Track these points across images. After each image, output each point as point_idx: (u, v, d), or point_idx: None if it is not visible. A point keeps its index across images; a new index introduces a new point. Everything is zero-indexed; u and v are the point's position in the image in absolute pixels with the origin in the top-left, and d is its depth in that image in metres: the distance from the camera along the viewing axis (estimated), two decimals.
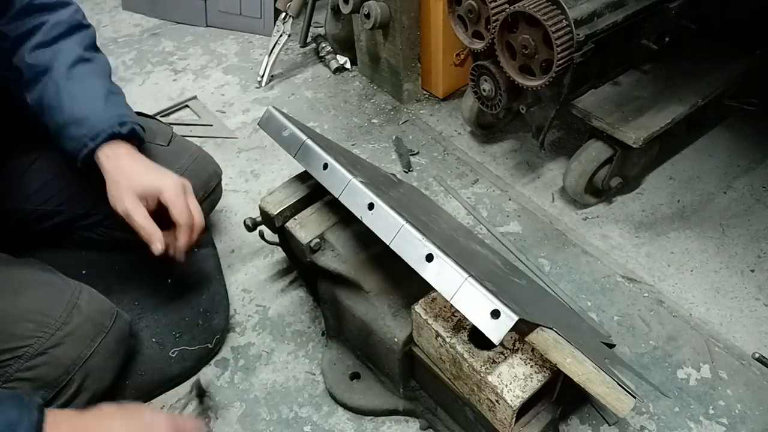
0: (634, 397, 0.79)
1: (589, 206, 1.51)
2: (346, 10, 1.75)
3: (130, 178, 0.99)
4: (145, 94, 1.61)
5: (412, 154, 1.69)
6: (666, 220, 1.46)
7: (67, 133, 1.00)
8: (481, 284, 0.73)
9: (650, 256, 1.38)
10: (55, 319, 0.92)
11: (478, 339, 0.86)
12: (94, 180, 1.03)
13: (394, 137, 1.76)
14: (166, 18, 2.35)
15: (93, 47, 1.08)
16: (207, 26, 2.31)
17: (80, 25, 1.06)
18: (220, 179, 1.34)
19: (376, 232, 0.85)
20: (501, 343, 0.87)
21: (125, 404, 0.83)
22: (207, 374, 1.15)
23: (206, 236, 1.38)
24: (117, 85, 1.09)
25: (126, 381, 1.08)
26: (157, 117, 1.40)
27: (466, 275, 0.74)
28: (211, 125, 1.83)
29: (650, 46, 1.37)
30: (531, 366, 0.85)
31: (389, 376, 1.06)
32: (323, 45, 2.10)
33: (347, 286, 1.04)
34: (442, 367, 0.94)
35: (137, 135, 1.04)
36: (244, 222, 1.17)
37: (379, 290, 1.02)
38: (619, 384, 0.78)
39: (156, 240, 0.98)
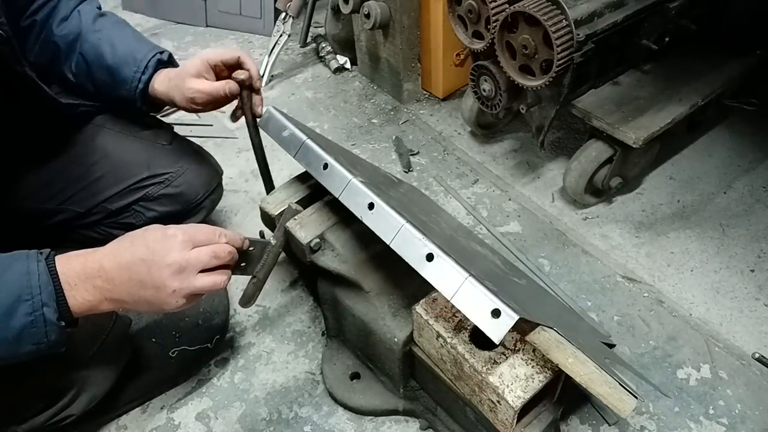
0: (636, 398, 0.78)
1: (589, 206, 1.51)
2: (346, 10, 1.75)
3: (180, 74, 1.07)
4: None
5: (412, 154, 1.69)
6: (666, 220, 1.46)
7: (118, 78, 1.07)
8: (482, 284, 0.73)
9: (650, 256, 1.38)
10: None
11: (479, 339, 0.86)
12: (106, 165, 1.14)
13: (394, 137, 1.76)
14: (166, 18, 2.35)
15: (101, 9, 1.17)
16: (207, 26, 2.31)
17: None
18: (221, 179, 1.34)
19: (376, 232, 0.85)
20: (502, 344, 0.87)
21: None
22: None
23: None
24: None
25: (126, 381, 1.08)
26: (158, 117, 1.39)
27: (466, 275, 0.74)
28: (211, 125, 1.83)
29: (650, 46, 1.37)
30: (532, 366, 0.85)
31: (389, 376, 1.06)
32: (323, 45, 2.10)
33: (347, 286, 1.03)
34: (443, 367, 0.94)
35: (174, 60, 1.14)
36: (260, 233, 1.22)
37: (379, 290, 1.01)
38: (620, 384, 0.78)
39: (224, 84, 1.05)
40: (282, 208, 1.07)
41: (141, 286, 0.76)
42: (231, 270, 0.85)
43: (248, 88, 1.08)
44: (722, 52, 1.54)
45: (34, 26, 1.09)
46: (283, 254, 1.35)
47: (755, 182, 1.54)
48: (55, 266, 0.74)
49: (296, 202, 1.08)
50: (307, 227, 1.04)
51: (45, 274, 0.73)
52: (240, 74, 1.06)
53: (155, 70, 1.09)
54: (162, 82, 1.09)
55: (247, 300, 0.93)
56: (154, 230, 0.78)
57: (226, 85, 1.05)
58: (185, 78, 1.06)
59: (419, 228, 0.81)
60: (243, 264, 0.89)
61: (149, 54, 1.08)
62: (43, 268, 0.73)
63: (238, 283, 1.34)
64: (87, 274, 0.75)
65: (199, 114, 1.86)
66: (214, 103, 1.08)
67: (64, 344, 0.76)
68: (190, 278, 0.77)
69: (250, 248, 0.89)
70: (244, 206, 1.55)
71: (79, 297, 0.75)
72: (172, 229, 0.78)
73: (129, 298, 0.77)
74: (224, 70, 1.10)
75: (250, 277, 0.91)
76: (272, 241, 0.91)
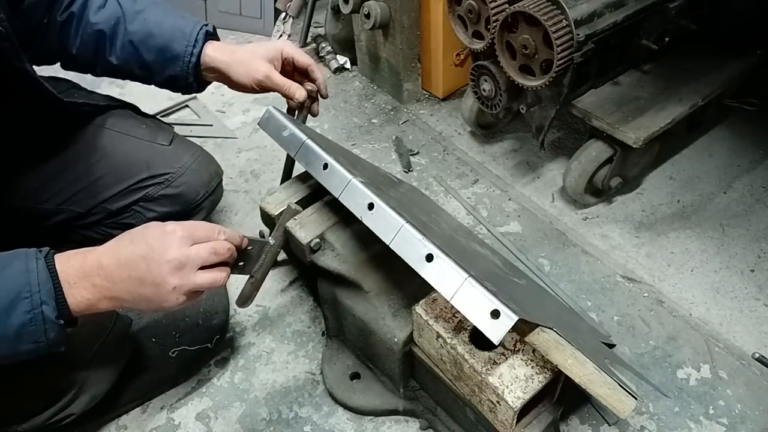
0: (635, 398, 0.79)
1: (589, 206, 1.51)
2: (346, 10, 1.74)
3: (252, 52, 1.07)
4: (145, 94, 1.60)
5: (412, 154, 1.69)
6: (666, 220, 1.46)
7: (170, 54, 1.07)
8: (481, 284, 0.73)
9: (650, 256, 1.38)
10: None
11: (479, 340, 0.86)
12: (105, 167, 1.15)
13: (394, 137, 1.76)
14: None
15: None
16: None
17: None
18: (221, 179, 1.34)
19: (376, 232, 0.85)
20: (502, 344, 0.87)
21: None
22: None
23: None
24: None
25: (126, 381, 1.08)
26: (158, 117, 1.39)
27: (466, 275, 0.74)
28: (211, 125, 1.83)
29: (650, 46, 1.37)
30: (532, 367, 0.85)
31: (389, 376, 1.06)
32: (323, 45, 2.10)
33: (347, 286, 1.03)
34: (442, 367, 0.94)
35: (216, 32, 1.14)
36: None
37: (379, 290, 1.01)
38: (620, 385, 0.78)
39: (297, 89, 1.08)
40: (282, 208, 1.07)
41: (140, 283, 0.75)
42: (231, 269, 0.85)
43: (312, 97, 1.13)
44: (722, 52, 1.54)
45: (72, 18, 1.08)
46: (283, 254, 1.35)
47: (755, 182, 1.54)
48: (54, 264, 0.74)
49: (296, 202, 1.08)
50: (307, 227, 1.04)
51: (44, 272, 0.72)
52: (308, 86, 1.11)
53: (204, 42, 1.09)
54: (221, 53, 1.08)
55: (244, 300, 0.92)
56: (154, 227, 0.78)
57: (298, 90, 1.08)
58: (257, 59, 1.06)
59: (419, 228, 0.81)
60: (241, 263, 0.89)
61: (197, 27, 1.07)
62: (42, 266, 0.73)
63: (239, 283, 1.34)
64: (86, 272, 0.75)
65: (199, 114, 1.87)
66: (267, 91, 1.09)
67: (64, 343, 0.76)
68: (189, 275, 0.76)
69: (249, 247, 0.88)
70: (244, 206, 1.55)
71: (78, 295, 0.75)
72: (171, 225, 0.78)
73: (128, 296, 0.76)
74: (291, 67, 1.12)
75: (247, 276, 0.91)
76: (271, 241, 0.91)
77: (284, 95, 1.10)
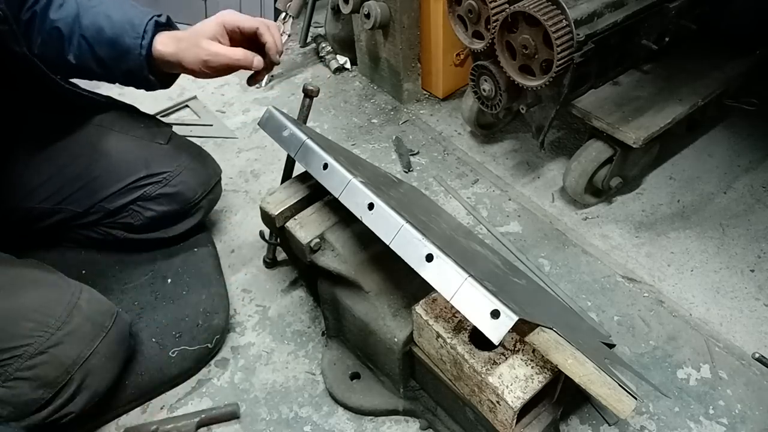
0: (635, 398, 0.78)
1: (589, 206, 1.51)
2: (346, 10, 1.74)
3: (195, 34, 1.05)
4: (145, 94, 1.59)
5: (412, 154, 1.69)
6: (666, 220, 1.46)
7: (120, 48, 1.05)
8: (481, 284, 0.73)
9: (650, 256, 1.38)
10: (56, 318, 0.92)
11: (479, 340, 0.86)
12: (99, 169, 1.16)
13: (394, 137, 1.76)
14: None
15: None
16: None
17: None
18: (220, 179, 1.34)
19: (376, 232, 0.85)
20: (501, 344, 0.87)
21: None
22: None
23: (206, 236, 1.38)
24: None
25: (126, 381, 1.08)
26: (158, 117, 1.39)
27: (465, 275, 0.74)
28: (211, 125, 1.83)
29: (650, 46, 1.37)
30: (532, 367, 0.85)
31: (389, 376, 1.06)
32: (323, 45, 2.10)
33: (347, 286, 1.03)
34: (442, 367, 0.94)
35: (173, 23, 1.12)
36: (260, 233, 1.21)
37: (379, 290, 1.01)
38: (620, 385, 0.78)
39: (252, 57, 1.05)
40: (282, 208, 1.07)
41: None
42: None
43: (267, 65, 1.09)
44: (722, 52, 1.54)
45: (35, 17, 1.06)
46: (283, 254, 1.36)
47: (755, 182, 1.54)
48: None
49: (296, 203, 1.08)
50: (307, 227, 1.04)
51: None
52: (262, 57, 1.07)
53: (154, 33, 1.05)
54: (168, 44, 1.05)
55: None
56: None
57: (254, 58, 1.04)
58: (200, 39, 1.03)
59: (419, 228, 0.81)
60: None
61: (146, 18, 1.05)
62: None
63: (239, 283, 1.34)
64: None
65: (199, 114, 1.86)
66: (228, 69, 1.06)
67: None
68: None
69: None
70: (244, 206, 1.55)
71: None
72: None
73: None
74: (239, 36, 1.07)
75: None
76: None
77: (242, 68, 1.06)
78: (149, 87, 1.13)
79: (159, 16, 1.07)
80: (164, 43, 1.05)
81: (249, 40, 1.08)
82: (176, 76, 1.15)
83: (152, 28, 1.04)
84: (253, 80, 1.13)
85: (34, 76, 1.03)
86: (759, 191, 1.52)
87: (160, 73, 1.10)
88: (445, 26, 1.67)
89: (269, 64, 1.10)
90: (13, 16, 0.99)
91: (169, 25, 1.10)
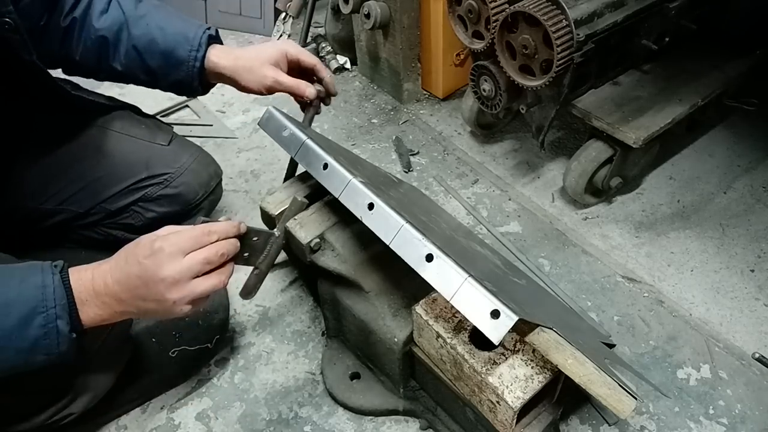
0: (635, 398, 0.78)
1: (589, 206, 1.51)
2: (346, 10, 1.74)
3: (257, 56, 1.08)
4: (145, 94, 1.59)
5: (412, 154, 1.69)
6: (666, 220, 1.46)
7: (173, 60, 1.07)
8: (481, 284, 0.73)
9: (650, 256, 1.38)
10: None
11: (479, 340, 0.86)
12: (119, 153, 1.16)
13: (394, 137, 1.76)
14: None
15: None
16: None
17: None
18: (221, 179, 1.34)
19: (376, 232, 0.85)
20: (501, 344, 0.87)
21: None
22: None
23: None
24: None
25: (126, 381, 1.08)
26: (158, 117, 1.39)
27: (465, 275, 0.74)
28: (211, 125, 1.83)
29: (650, 46, 1.37)
30: (532, 367, 0.85)
31: (389, 376, 1.06)
32: (323, 45, 2.10)
33: (347, 286, 1.03)
34: (442, 367, 0.94)
35: (219, 35, 1.14)
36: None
37: (379, 290, 1.01)
38: (620, 385, 0.78)
39: (306, 86, 1.09)
40: (282, 208, 1.07)
41: (144, 300, 0.77)
42: (234, 260, 0.84)
43: (321, 98, 1.14)
44: (722, 52, 1.54)
45: (75, 24, 1.07)
46: (283, 254, 1.35)
47: (755, 182, 1.54)
48: (69, 280, 0.76)
49: None
50: (307, 227, 1.04)
51: (60, 288, 0.74)
52: (317, 86, 1.12)
53: (208, 46, 1.08)
54: (223, 58, 1.08)
55: (248, 292, 0.92)
56: (142, 245, 0.78)
57: (308, 88, 1.09)
58: (263, 64, 1.07)
59: (419, 228, 0.81)
60: (246, 254, 0.88)
61: (199, 31, 1.07)
62: (58, 282, 0.74)
63: (239, 282, 1.34)
64: (96, 291, 0.76)
65: (199, 114, 1.87)
66: (281, 92, 1.10)
67: (73, 355, 0.77)
68: (187, 287, 0.77)
69: (254, 238, 0.88)
70: (244, 206, 1.55)
71: (90, 312, 0.77)
72: (158, 241, 0.77)
73: (137, 311, 0.78)
74: (296, 66, 1.12)
75: (252, 268, 0.90)
76: (276, 233, 0.91)
77: (294, 95, 1.11)
78: (191, 94, 1.17)
79: (209, 28, 1.09)
80: (219, 57, 1.08)
81: (304, 73, 1.14)
82: (215, 84, 1.17)
83: (206, 41, 1.07)
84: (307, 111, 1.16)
85: (41, 82, 1.04)
86: (759, 191, 1.52)
87: (206, 83, 1.13)
88: (445, 26, 1.67)
89: (322, 101, 1.15)
90: (30, 27, 1.00)
91: (218, 37, 1.13)
